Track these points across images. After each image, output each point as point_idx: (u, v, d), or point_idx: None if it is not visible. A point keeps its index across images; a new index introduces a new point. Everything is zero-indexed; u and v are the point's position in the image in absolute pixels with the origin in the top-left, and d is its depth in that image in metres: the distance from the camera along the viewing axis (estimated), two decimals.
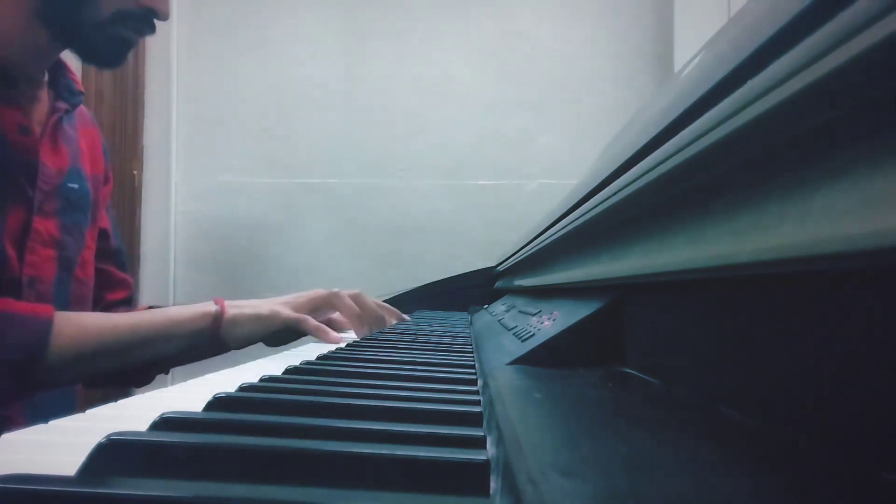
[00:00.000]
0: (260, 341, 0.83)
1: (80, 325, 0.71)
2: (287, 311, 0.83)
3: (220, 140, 1.93)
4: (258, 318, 0.81)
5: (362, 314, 0.91)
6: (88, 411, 0.37)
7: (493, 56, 1.90)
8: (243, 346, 0.82)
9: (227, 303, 0.81)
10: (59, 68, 0.87)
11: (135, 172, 1.91)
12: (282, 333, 0.84)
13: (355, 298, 0.92)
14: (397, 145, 1.90)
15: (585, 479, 0.19)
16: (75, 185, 0.86)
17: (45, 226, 0.81)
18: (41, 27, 0.78)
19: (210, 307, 0.80)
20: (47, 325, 0.67)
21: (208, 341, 0.79)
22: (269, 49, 1.93)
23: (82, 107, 0.95)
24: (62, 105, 0.85)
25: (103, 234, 0.97)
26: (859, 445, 0.19)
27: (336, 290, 0.91)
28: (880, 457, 0.18)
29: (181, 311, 0.80)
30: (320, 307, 0.89)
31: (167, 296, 1.89)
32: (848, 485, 0.19)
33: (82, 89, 0.90)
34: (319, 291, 0.90)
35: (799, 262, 0.20)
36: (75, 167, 0.87)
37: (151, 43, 1.91)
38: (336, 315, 0.93)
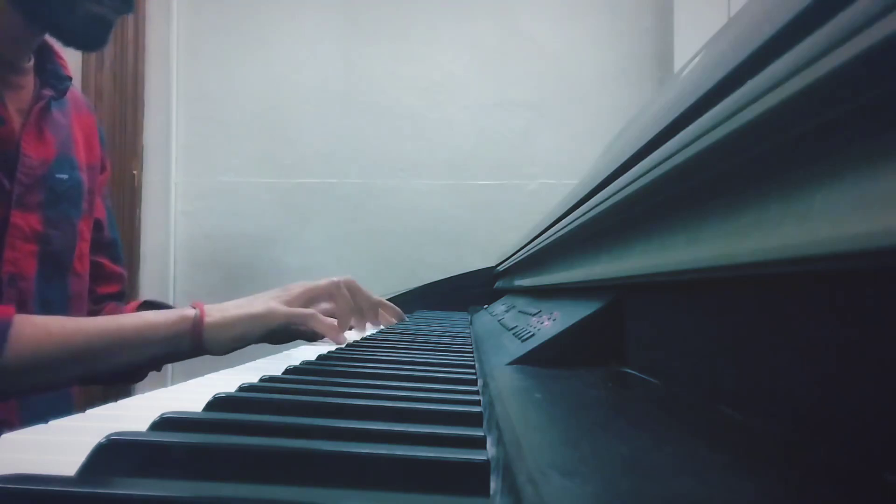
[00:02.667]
0: (255, 343, 0.77)
1: (44, 328, 0.67)
2: (286, 307, 0.77)
3: (220, 140, 1.93)
4: (251, 318, 0.75)
5: (359, 308, 0.86)
6: (88, 411, 0.37)
7: (493, 56, 1.90)
8: (231, 350, 0.76)
9: (207, 307, 0.75)
10: (46, 53, 0.83)
11: (135, 172, 1.91)
12: (281, 332, 0.79)
13: (348, 285, 0.86)
14: (397, 145, 1.90)
15: (585, 479, 0.19)
16: (64, 176, 0.83)
17: (25, 220, 0.77)
18: (13, 10, 0.75)
19: (188, 311, 0.74)
20: (4, 326, 0.63)
21: (188, 347, 0.73)
22: (269, 49, 1.93)
23: (78, 93, 0.91)
24: (48, 92, 0.81)
25: (97, 225, 0.93)
26: (859, 445, 0.19)
27: (336, 279, 0.85)
28: (880, 457, 0.18)
29: (157, 315, 0.74)
30: (316, 299, 0.83)
31: (167, 296, 1.89)
32: (848, 485, 0.18)
33: (70, 74, 0.86)
34: (320, 284, 0.84)
35: (799, 262, 0.20)
36: (65, 156, 0.84)
37: (151, 43, 1.91)
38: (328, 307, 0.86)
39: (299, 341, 0.85)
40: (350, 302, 0.85)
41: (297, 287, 0.82)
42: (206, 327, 0.73)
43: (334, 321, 0.79)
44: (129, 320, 0.73)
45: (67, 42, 0.78)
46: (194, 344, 0.73)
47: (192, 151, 1.94)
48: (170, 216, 1.92)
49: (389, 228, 1.88)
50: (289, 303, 0.79)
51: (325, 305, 0.84)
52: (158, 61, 1.92)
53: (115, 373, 0.74)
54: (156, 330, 0.72)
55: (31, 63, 0.82)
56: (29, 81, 0.81)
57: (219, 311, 0.75)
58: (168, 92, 1.91)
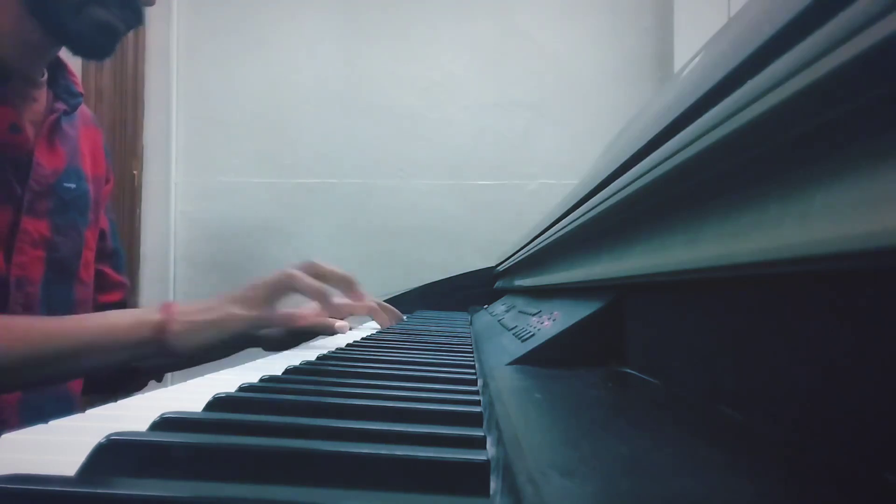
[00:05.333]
0: (220, 347, 0.74)
1: (7, 328, 0.66)
2: (243, 311, 0.72)
3: (220, 140, 1.93)
4: (212, 325, 0.72)
5: (324, 292, 0.77)
6: (88, 411, 0.37)
7: (493, 56, 1.90)
8: (201, 354, 0.73)
9: (178, 309, 0.72)
10: (59, 68, 0.86)
11: (135, 172, 1.91)
12: (240, 339, 0.76)
13: (310, 269, 0.78)
14: (397, 145, 1.90)
15: (585, 479, 0.19)
16: (72, 185, 0.85)
17: (35, 226, 0.79)
18: (31, 19, 0.76)
19: (151, 315, 0.71)
20: None
21: (154, 352, 0.71)
22: (269, 49, 1.93)
23: (84, 108, 0.94)
24: (61, 106, 0.84)
25: (101, 235, 0.96)
26: (859, 445, 0.19)
27: (290, 270, 0.76)
28: (880, 457, 0.18)
29: (120, 317, 0.71)
30: (274, 296, 0.75)
31: (167, 296, 1.89)
32: (848, 485, 0.18)
33: (82, 90, 0.89)
34: (275, 279, 0.75)
35: (799, 262, 0.20)
36: (73, 167, 0.86)
37: (151, 43, 1.91)
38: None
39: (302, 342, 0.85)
40: (315, 285, 0.76)
41: (255, 286, 0.75)
42: (170, 335, 0.70)
43: (288, 312, 0.75)
44: (90, 322, 0.71)
45: (75, 50, 0.81)
46: (160, 349, 0.70)
47: (192, 151, 1.94)
48: (170, 216, 1.92)
49: (389, 228, 1.88)
50: (251, 303, 0.74)
51: (300, 305, 0.80)
52: (158, 61, 1.92)
53: (85, 373, 0.72)
54: (117, 334, 0.69)
55: (45, 77, 0.85)
56: (42, 95, 0.84)
57: (186, 316, 0.71)
58: (168, 92, 1.91)
